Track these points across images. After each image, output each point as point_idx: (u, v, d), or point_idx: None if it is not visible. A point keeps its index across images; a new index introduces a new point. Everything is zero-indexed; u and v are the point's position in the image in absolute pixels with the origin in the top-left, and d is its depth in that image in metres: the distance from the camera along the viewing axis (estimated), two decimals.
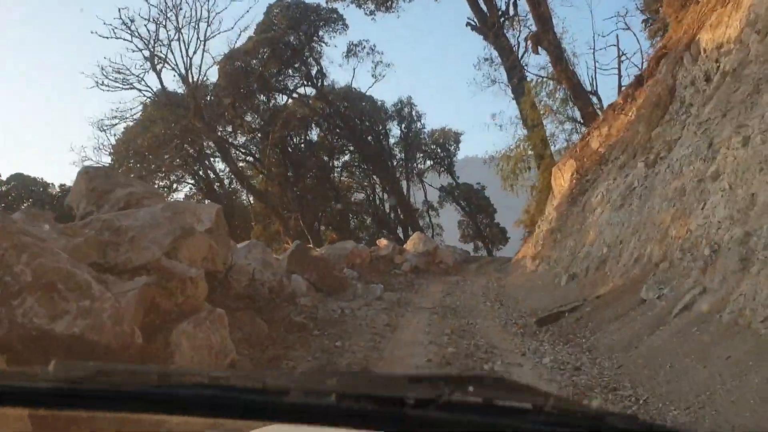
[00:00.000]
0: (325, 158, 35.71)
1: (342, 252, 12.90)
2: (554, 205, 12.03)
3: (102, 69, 24.05)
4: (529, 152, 20.69)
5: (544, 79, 18.38)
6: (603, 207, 8.41)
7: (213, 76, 27.61)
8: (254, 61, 29.59)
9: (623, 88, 13.08)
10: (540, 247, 11.48)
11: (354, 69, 32.49)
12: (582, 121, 18.28)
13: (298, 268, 8.28)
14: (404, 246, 17.13)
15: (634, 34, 24.70)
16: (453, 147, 39.32)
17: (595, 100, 18.33)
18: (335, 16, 29.67)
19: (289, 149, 33.58)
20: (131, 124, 27.97)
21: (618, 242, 7.24)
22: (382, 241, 15.47)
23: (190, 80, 24.40)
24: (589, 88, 18.21)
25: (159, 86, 25.42)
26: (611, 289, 6.56)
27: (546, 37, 17.82)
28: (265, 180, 33.30)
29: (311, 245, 15.48)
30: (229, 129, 32.40)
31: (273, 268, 7.34)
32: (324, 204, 35.96)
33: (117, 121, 25.18)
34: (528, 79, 19.83)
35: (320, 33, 30.09)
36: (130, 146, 27.89)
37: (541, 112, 17.65)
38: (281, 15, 28.82)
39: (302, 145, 34.73)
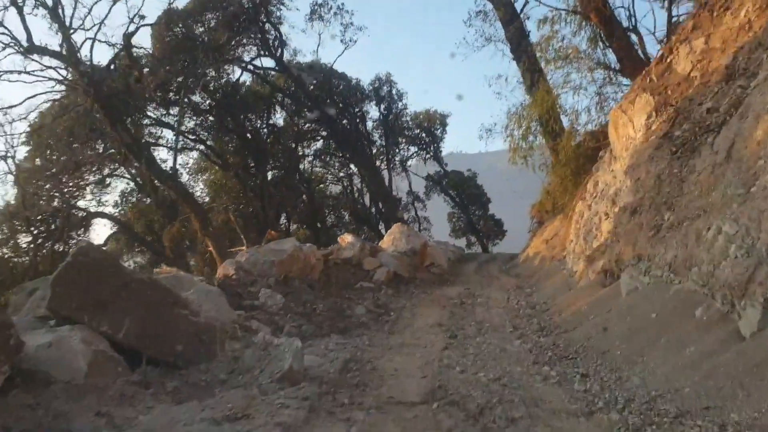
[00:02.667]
0: (293, 145, 30.64)
1: (275, 257, 7.91)
2: (621, 167, 7.21)
3: None
4: (534, 123, 15.90)
5: (565, 14, 13.51)
6: None
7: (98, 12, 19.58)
8: (200, 28, 24.62)
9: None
10: (601, 241, 6.63)
11: (320, 35, 27.30)
12: (618, 68, 13.46)
13: (85, 307, 3.27)
14: (380, 244, 12.17)
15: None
16: (439, 131, 34.92)
17: (633, 38, 13.49)
18: None
19: (249, 135, 28.45)
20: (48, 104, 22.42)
21: None
22: (346, 238, 10.46)
23: (61, 15, 16.97)
24: (626, 24, 13.37)
25: (24, 31, 17.97)
26: None
27: None
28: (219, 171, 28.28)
29: (244, 247, 10.47)
30: (175, 111, 27.15)
31: None
32: (293, 198, 31.00)
33: None
34: (544, 15, 14.89)
35: None
36: (47, 132, 22.55)
37: (564, 56, 12.76)
38: None
39: (265, 130, 29.64)
